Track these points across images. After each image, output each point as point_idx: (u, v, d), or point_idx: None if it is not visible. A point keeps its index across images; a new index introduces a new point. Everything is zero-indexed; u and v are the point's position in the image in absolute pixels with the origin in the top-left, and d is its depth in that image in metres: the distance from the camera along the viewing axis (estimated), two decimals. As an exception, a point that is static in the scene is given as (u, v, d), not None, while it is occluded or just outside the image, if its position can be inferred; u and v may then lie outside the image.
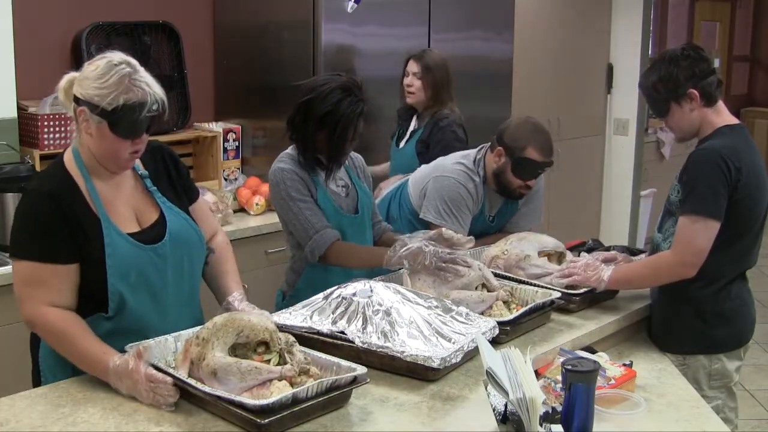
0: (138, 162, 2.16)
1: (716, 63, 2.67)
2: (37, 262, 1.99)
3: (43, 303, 1.98)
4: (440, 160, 3.22)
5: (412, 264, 2.48)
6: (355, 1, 3.72)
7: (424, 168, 3.26)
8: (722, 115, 2.56)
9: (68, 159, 2.08)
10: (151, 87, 2.00)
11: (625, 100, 6.08)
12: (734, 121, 2.57)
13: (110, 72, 1.96)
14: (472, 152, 3.14)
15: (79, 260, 2.01)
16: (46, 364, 2.13)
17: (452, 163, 3.10)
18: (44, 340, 2.09)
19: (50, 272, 1.98)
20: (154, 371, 1.88)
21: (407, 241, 2.53)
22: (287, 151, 2.74)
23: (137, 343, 1.96)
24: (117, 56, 2.01)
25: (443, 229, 2.64)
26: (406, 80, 3.74)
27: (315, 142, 2.63)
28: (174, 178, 2.24)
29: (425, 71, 3.69)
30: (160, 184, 2.19)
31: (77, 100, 2.00)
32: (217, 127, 4.18)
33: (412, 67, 3.72)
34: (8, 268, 2.93)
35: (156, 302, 2.10)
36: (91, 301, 2.03)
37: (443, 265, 2.47)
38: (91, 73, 1.98)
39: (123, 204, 2.10)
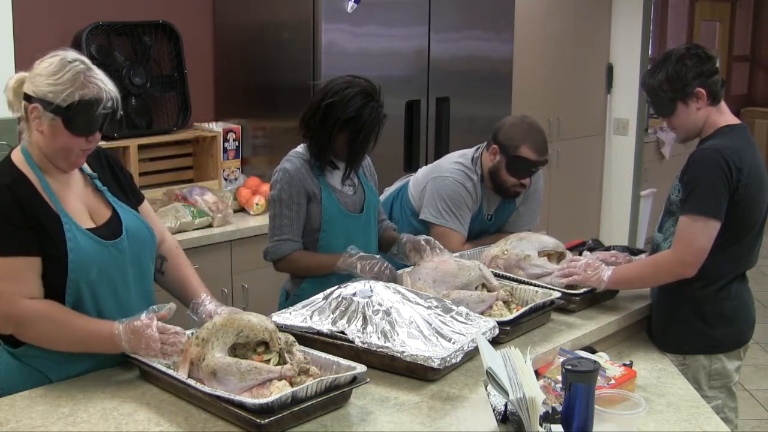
0: (84, 163, 2.15)
1: (716, 63, 2.66)
2: (8, 257, 1.95)
3: (22, 296, 1.95)
4: (438, 161, 3.23)
5: (363, 268, 2.51)
6: (355, 1, 3.72)
7: (423, 169, 3.26)
8: (724, 115, 2.56)
9: (18, 159, 2.05)
10: (105, 84, 1.99)
11: (625, 100, 6.08)
12: (735, 120, 2.57)
13: (64, 69, 1.96)
14: (469, 151, 3.15)
15: (42, 254, 1.98)
16: (6, 379, 2.05)
17: (450, 163, 3.11)
18: (31, 332, 1.99)
19: (22, 264, 1.96)
20: (164, 324, 1.96)
21: (355, 251, 2.56)
22: (297, 149, 2.73)
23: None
24: (70, 54, 2.00)
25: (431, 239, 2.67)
26: None
27: (332, 145, 2.63)
28: (121, 179, 2.24)
29: None
30: (108, 184, 2.19)
31: (29, 98, 1.98)
32: (217, 127, 4.17)
33: None
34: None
35: (117, 300, 2.08)
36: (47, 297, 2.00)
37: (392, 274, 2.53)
38: (44, 71, 1.97)
39: (77, 201, 2.09)
